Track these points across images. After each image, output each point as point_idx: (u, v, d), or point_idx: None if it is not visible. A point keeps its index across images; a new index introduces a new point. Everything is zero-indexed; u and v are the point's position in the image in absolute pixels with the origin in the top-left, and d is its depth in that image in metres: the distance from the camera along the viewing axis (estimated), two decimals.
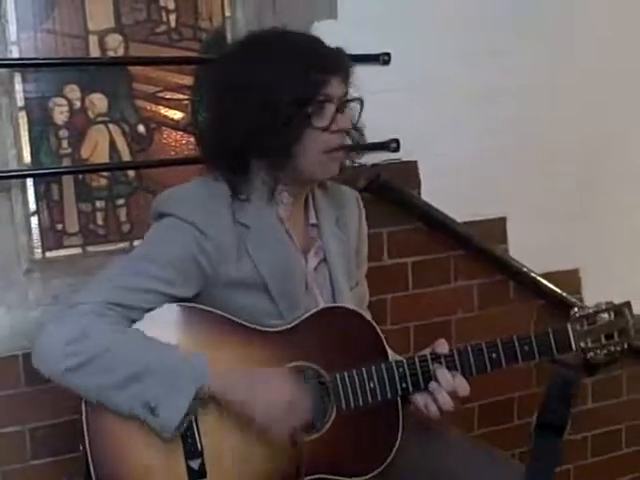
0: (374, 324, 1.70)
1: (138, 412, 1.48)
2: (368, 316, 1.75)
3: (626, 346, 1.73)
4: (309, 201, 1.78)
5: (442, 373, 1.64)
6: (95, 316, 1.51)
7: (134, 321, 1.56)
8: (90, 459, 1.52)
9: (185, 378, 1.49)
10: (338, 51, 1.66)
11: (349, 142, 1.72)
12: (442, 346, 1.67)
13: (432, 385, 1.64)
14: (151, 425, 1.49)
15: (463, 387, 1.65)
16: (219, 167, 1.68)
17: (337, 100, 1.63)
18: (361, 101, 1.69)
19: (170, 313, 1.59)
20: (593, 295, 2.70)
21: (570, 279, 2.73)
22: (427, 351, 1.68)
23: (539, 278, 2.64)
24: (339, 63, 1.64)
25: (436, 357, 1.66)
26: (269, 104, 1.57)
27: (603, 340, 1.71)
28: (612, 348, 1.72)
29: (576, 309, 1.74)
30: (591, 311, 1.73)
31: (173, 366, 1.50)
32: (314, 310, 1.68)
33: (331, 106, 1.62)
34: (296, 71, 1.58)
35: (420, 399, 1.66)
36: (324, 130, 1.62)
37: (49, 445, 2.08)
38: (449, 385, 1.63)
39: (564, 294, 2.66)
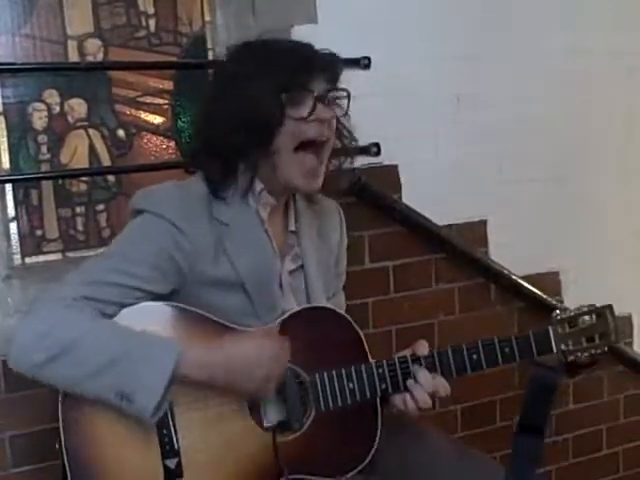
0: (354, 324, 1.70)
1: (113, 401, 1.47)
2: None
3: (606, 349, 1.72)
4: (290, 207, 1.78)
5: (423, 374, 1.65)
6: (66, 308, 1.49)
7: (109, 316, 1.54)
8: (66, 458, 1.50)
9: (159, 360, 1.47)
10: (326, 53, 1.67)
11: (339, 146, 1.73)
12: (422, 346, 1.68)
13: (410, 383, 1.64)
14: (128, 412, 1.47)
15: (444, 387, 1.66)
16: (205, 167, 1.68)
17: (318, 93, 1.63)
18: (348, 93, 1.68)
19: (147, 311, 1.58)
20: (573, 297, 2.73)
21: (550, 281, 2.74)
22: (407, 352, 1.69)
23: (520, 280, 2.65)
24: (323, 63, 1.65)
25: (416, 359, 1.67)
26: (250, 97, 1.59)
27: (584, 343, 1.70)
28: (593, 351, 1.71)
29: (557, 311, 1.73)
30: (572, 314, 1.72)
31: (146, 350, 1.48)
32: (294, 310, 1.68)
33: (310, 98, 1.62)
34: (278, 67, 1.60)
35: (398, 397, 1.66)
36: (301, 119, 1.61)
37: (30, 453, 2.05)
38: (430, 386, 1.64)
39: (545, 296, 2.67)
